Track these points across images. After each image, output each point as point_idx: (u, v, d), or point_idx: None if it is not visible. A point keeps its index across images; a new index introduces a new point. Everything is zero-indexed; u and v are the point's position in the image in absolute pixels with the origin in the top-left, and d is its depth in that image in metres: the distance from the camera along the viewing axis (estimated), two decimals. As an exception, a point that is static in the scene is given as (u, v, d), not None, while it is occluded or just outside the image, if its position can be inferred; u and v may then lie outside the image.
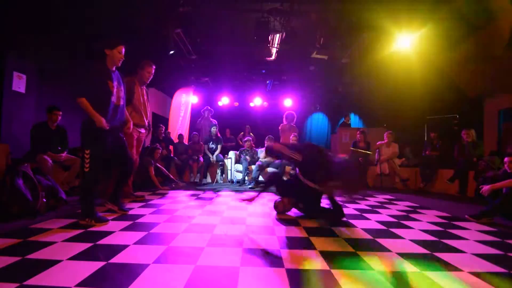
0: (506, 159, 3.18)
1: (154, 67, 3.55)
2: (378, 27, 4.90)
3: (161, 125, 6.62)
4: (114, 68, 2.59)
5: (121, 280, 1.38)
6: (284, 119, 6.77)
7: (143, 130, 3.61)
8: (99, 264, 1.55)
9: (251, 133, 8.17)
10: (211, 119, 7.57)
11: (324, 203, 2.93)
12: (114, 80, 2.52)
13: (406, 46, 5.51)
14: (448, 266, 1.66)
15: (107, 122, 2.42)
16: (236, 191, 4.77)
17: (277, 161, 5.77)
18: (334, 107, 10.49)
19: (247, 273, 1.50)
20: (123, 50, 2.60)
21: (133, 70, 3.50)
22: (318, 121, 10.81)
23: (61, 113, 4.10)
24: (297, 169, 2.90)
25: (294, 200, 2.93)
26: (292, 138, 6.12)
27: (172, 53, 5.39)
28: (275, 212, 3.03)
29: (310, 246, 1.96)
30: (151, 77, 3.55)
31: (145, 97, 3.63)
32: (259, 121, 9.60)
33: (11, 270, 1.47)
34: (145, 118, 3.57)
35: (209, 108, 7.84)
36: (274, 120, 8.32)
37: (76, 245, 1.86)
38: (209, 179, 6.09)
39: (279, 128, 6.86)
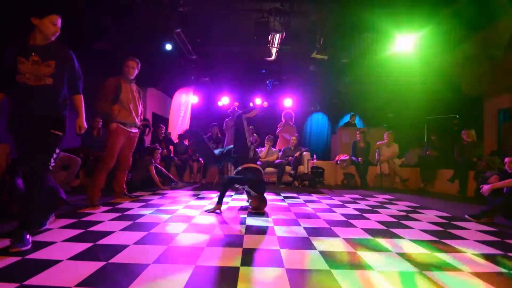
0: (506, 159, 3.18)
1: (136, 60, 3.36)
2: (379, 27, 4.90)
3: (162, 125, 6.62)
4: (44, 43, 2.04)
5: (121, 280, 1.38)
6: (282, 118, 6.81)
7: (134, 130, 3.40)
8: (99, 264, 1.55)
9: (254, 134, 8.15)
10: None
11: None
12: (29, 54, 1.95)
13: (406, 47, 5.52)
14: (448, 266, 1.66)
15: (18, 107, 1.93)
16: (236, 190, 4.76)
17: (276, 161, 5.78)
18: (334, 107, 10.49)
19: (247, 273, 1.50)
20: (59, 21, 2.08)
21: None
22: (318, 121, 10.81)
23: None
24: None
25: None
26: (292, 139, 6.13)
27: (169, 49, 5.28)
28: (274, 212, 3.04)
29: (310, 246, 1.96)
30: (135, 72, 3.37)
31: (136, 95, 3.42)
32: (259, 121, 9.61)
33: (11, 270, 1.47)
34: (134, 116, 3.36)
35: (235, 108, 7.48)
36: (274, 120, 8.32)
37: (76, 245, 1.86)
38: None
39: (278, 126, 6.89)
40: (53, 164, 2.02)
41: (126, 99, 3.30)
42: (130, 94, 3.36)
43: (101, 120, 4.83)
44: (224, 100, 9.70)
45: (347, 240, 2.12)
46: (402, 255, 1.82)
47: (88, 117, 3.19)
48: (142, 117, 3.58)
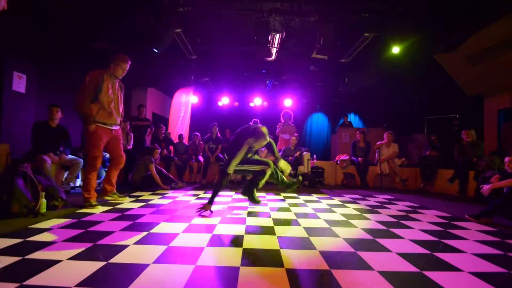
0: (506, 159, 3.18)
1: (129, 63, 3.26)
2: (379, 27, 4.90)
3: (162, 125, 6.62)
4: None
5: (121, 280, 1.38)
6: (281, 118, 6.81)
7: (115, 127, 3.32)
8: (99, 264, 1.55)
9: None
10: None
11: None
12: None
13: (406, 47, 5.52)
14: (448, 266, 1.66)
15: None
16: (236, 191, 4.76)
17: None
18: (334, 107, 10.49)
19: (247, 273, 1.50)
20: None
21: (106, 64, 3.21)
22: (318, 121, 10.83)
23: (59, 109, 4.08)
24: None
25: None
26: (292, 139, 6.13)
27: (157, 52, 5.17)
28: (275, 212, 3.04)
29: (310, 246, 1.96)
30: (125, 73, 3.27)
31: (118, 93, 3.29)
32: (259, 121, 9.62)
33: (11, 270, 1.47)
34: (115, 116, 3.24)
35: (257, 121, 7.50)
36: (274, 120, 8.33)
37: (76, 245, 1.86)
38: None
39: (277, 126, 6.89)
40: None
41: (107, 99, 3.14)
42: (112, 92, 3.20)
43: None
44: (224, 100, 9.72)
45: (347, 240, 2.12)
46: (402, 255, 1.82)
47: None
48: (123, 114, 3.46)
